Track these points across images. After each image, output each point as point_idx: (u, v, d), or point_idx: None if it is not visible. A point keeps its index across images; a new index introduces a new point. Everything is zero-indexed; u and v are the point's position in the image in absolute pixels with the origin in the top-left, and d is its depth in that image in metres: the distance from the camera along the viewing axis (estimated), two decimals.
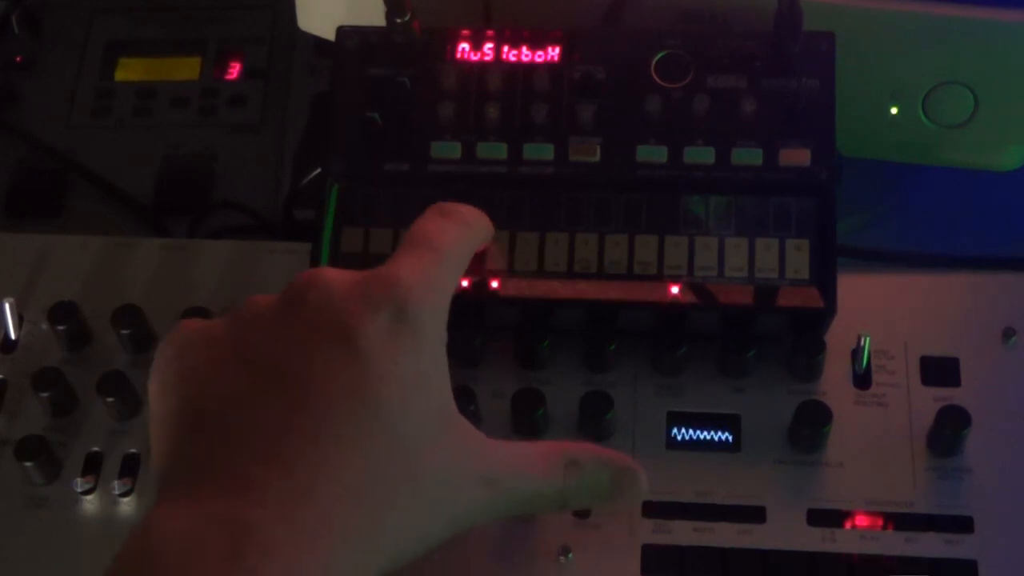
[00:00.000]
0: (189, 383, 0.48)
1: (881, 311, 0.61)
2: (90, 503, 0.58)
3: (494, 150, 0.60)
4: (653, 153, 0.59)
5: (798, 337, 0.59)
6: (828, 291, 0.57)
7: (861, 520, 0.56)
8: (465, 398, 0.58)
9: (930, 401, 0.58)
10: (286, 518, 0.43)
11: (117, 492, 0.58)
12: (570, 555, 0.56)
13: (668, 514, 0.57)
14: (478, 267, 0.58)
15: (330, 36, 0.63)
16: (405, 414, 0.46)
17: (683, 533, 0.56)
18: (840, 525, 0.56)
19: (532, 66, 0.61)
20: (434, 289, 0.49)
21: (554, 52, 0.61)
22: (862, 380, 0.59)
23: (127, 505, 0.58)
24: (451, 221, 0.52)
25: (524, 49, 0.61)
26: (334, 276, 0.49)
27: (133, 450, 0.59)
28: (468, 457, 0.49)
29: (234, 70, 0.85)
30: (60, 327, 0.61)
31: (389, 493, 0.46)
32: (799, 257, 0.58)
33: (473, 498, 0.49)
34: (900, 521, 0.56)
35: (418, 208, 0.59)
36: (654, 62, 0.61)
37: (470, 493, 0.49)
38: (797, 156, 0.59)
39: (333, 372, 0.46)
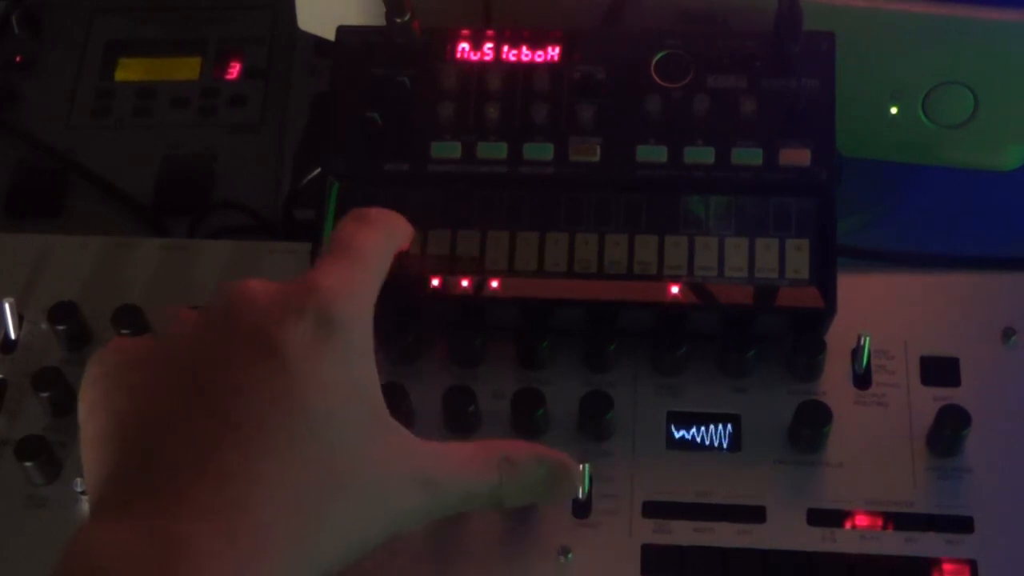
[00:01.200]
0: (117, 403, 0.48)
1: (881, 311, 0.61)
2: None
3: (494, 150, 0.60)
4: (653, 153, 0.59)
5: (798, 337, 0.59)
6: (828, 291, 0.57)
7: (861, 520, 0.56)
8: (465, 398, 0.58)
9: (930, 401, 0.58)
10: (220, 529, 0.43)
11: None
12: (570, 555, 0.56)
13: (668, 514, 0.57)
14: (478, 267, 0.58)
15: (330, 36, 0.63)
16: (334, 420, 0.47)
17: (683, 533, 0.56)
18: (840, 525, 0.56)
19: (532, 66, 0.61)
20: (356, 294, 0.50)
21: (554, 52, 0.61)
22: (862, 380, 0.59)
23: None
24: (368, 227, 0.53)
25: (524, 49, 0.61)
26: (256, 287, 0.49)
27: None
28: (402, 459, 0.49)
29: (234, 70, 0.85)
30: (60, 327, 0.61)
31: (323, 499, 0.46)
32: (799, 257, 0.58)
33: (409, 499, 0.49)
34: (900, 521, 0.56)
35: (419, 208, 0.59)
36: (654, 62, 0.61)
37: (405, 494, 0.49)
38: (797, 156, 0.59)
39: (260, 382, 0.46)
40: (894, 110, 0.65)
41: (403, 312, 0.60)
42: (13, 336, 0.63)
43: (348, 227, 0.52)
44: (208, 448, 0.45)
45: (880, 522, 0.56)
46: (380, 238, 0.53)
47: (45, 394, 0.60)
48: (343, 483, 0.47)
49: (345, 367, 0.48)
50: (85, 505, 0.58)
